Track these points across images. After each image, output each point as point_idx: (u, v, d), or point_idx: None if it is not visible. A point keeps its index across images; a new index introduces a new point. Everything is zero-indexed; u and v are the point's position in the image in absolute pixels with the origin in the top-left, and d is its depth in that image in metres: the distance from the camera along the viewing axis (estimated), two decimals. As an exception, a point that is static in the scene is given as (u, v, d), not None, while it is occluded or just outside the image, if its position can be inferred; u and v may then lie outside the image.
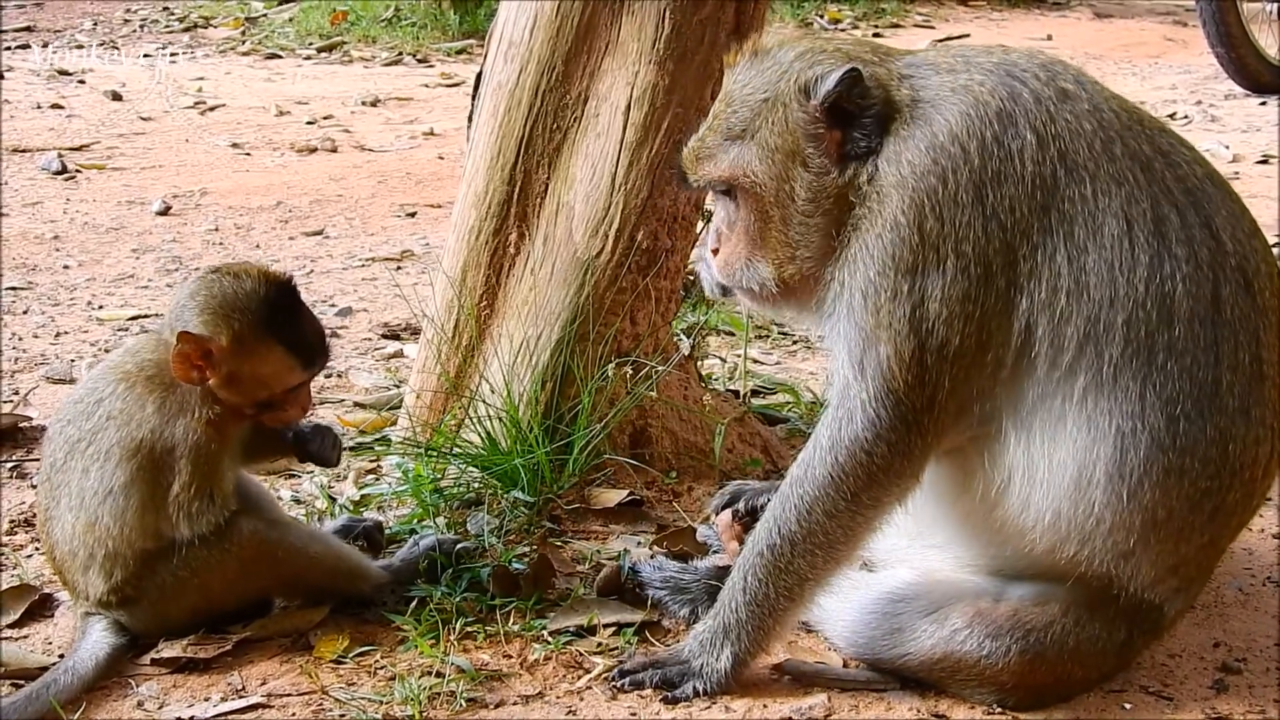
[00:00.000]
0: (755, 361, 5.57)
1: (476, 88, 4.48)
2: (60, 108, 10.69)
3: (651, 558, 3.86)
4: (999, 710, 3.27)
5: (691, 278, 4.76)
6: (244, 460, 3.68)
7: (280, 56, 13.31)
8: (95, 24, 14.74)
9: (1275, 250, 3.27)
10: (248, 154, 9.54)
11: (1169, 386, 3.01)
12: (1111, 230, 3.03)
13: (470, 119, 4.49)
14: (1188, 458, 3.02)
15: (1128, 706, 3.31)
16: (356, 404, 5.15)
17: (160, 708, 3.27)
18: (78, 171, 8.89)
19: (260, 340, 3.44)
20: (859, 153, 3.16)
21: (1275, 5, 11.70)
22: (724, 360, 5.42)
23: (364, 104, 11.15)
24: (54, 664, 3.38)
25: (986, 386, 3.10)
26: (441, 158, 9.44)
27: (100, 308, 6.35)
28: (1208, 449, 3.03)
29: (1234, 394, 3.04)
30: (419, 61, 13.09)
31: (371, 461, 4.53)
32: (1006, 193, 3.05)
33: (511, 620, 3.59)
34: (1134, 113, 3.19)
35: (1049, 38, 14.68)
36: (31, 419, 4.91)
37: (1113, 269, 3.02)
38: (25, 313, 6.22)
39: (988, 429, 3.14)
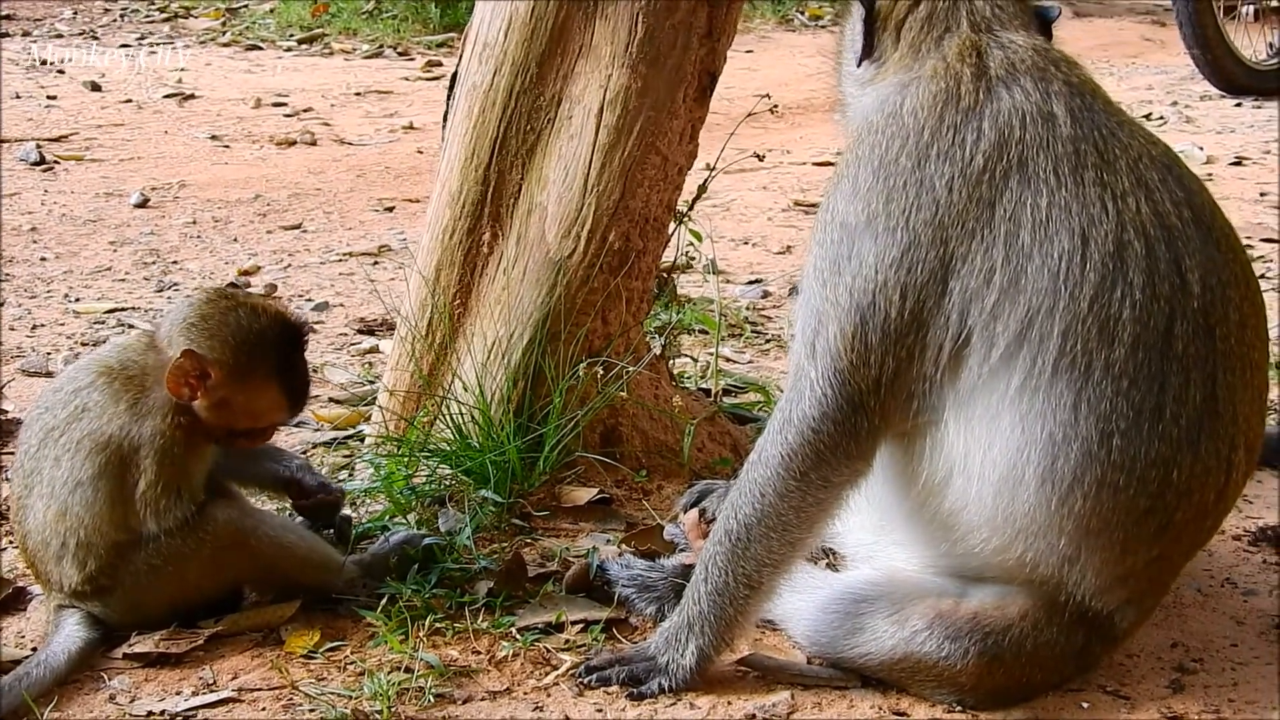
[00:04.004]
0: (728, 360, 5.61)
1: (451, 88, 4.52)
2: (39, 98, 10.67)
3: (619, 556, 3.90)
4: (959, 709, 3.32)
5: (663, 277, 4.81)
6: (234, 479, 3.80)
7: (261, 48, 13.30)
8: (75, 14, 14.72)
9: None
10: (227, 146, 9.54)
11: (1104, 404, 3.07)
12: (1062, 244, 3.10)
13: (445, 119, 4.52)
14: (1123, 474, 3.08)
15: (1085, 705, 3.36)
16: (331, 399, 5.18)
17: (132, 701, 3.31)
18: (56, 163, 8.89)
19: (263, 378, 3.53)
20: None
21: (1251, 7, 11.78)
22: (696, 359, 5.46)
23: (343, 95, 11.15)
24: (26, 657, 3.41)
25: (929, 372, 3.18)
26: (420, 152, 9.45)
27: (77, 300, 6.37)
28: (1146, 470, 3.09)
29: (1179, 425, 3.09)
30: (400, 54, 13.11)
31: (345, 457, 4.57)
32: (946, 171, 3.17)
33: (480, 617, 3.63)
34: (1133, 148, 3.22)
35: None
36: (7, 412, 4.93)
37: (1056, 279, 3.09)
38: (1, 305, 6.24)
39: (932, 416, 3.22)
